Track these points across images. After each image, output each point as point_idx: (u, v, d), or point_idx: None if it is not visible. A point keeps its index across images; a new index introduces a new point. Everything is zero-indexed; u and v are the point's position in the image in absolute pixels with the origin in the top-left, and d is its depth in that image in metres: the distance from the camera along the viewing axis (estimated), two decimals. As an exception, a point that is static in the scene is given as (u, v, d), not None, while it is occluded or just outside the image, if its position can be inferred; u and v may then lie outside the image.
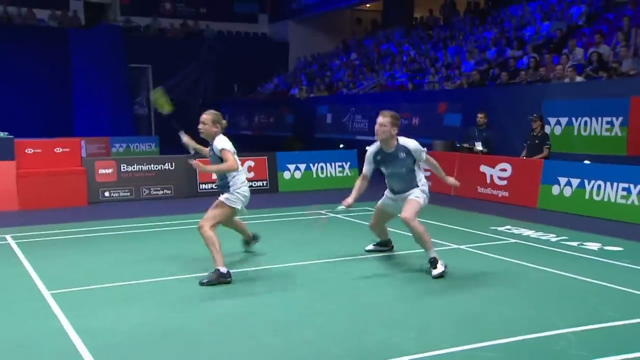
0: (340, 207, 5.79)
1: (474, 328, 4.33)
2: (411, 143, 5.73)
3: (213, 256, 5.55)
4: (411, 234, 5.72)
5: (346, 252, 6.64)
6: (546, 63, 14.05)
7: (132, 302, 5.00)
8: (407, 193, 5.81)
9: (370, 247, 6.63)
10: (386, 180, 5.97)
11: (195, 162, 5.65)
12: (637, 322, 4.39)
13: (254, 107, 25.64)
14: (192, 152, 6.33)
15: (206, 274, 5.57)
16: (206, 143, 5.95)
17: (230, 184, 5.75)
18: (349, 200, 5.74)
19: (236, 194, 5.77)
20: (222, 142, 5.72)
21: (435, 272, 5.57)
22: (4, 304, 4.97)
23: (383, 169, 5.86)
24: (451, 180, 6.12)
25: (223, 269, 5.52)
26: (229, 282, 5.47)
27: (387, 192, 6.07)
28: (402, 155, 5.67)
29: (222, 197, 5.78)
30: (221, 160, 5.67)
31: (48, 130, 21.11)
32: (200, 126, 5.78)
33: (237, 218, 6.37)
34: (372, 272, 5.91)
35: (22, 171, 10.02)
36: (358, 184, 5.86)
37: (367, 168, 5.89)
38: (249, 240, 6.71)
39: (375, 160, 5.79)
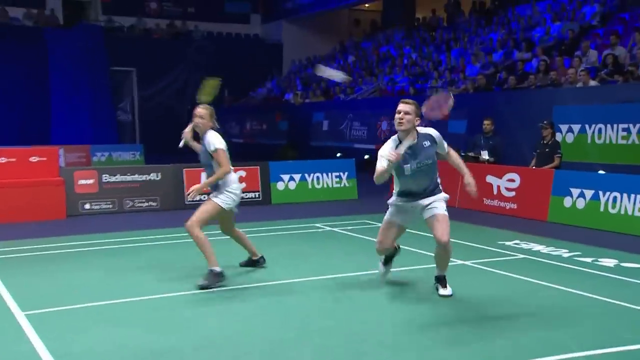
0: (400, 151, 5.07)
1: (479, 351, 4.30)
2: (432, 131, 5.41)
3: (206, 256, 5.78)
4: (436, 253, 5.48)
5: (343, 268, 6.62)
6: (557, 66, 14.13)
7: (114, 322, 4.96)
8: (429, 200, 5.37)
9: (381, 269, 5.99)
10: (402, 183, 5.40)
11: (192, 191, 5.83)
12: (656, 345, 4.37)
13: (245, 113, 25.69)
14: (182, 145, 6.39)
15: (202, 282, 5.80)
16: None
17: (221, 182, 5.90)
18: (396, 154, 5.06)
19: (227, 192, 5.92)
20: (216, 140, 5.88)
21: (445, 291, 5.54)
22: (-26, 326, 4.93)
23: (408, 167, 5.27)
24: (470, 179, 5.42)
25: (217, 269, 5.79)
26: (223, 281, 5.80)
27: (398, 200, 5.51)
28: (427, 143, 5.32)
29: (211, 196, 5.95)
30: (212, 157, 5.84)
31: (23, 138, 21.09)
32: (197, 120, 5.96)
33: (240, 230, 6.49)
34: (370, 288, 5.88)
35: (-4, 182, 9.98)
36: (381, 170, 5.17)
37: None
38: (256, 259, 6.63)
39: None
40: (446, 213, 5.39)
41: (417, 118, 5.25)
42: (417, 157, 5.27)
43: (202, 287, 5.74)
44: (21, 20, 25.85)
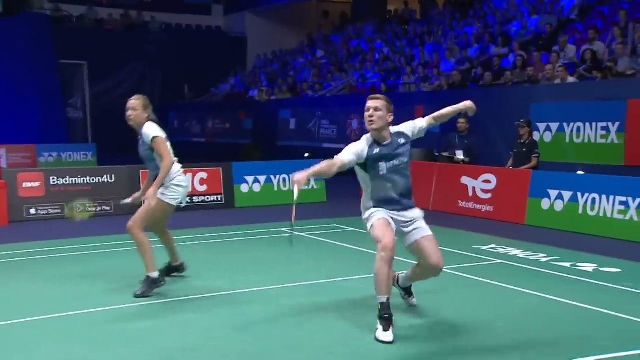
0: (296, 193, 4.79)
1: (455, 362, 4.34)
2: (403, 126, 5.18)
3: (145, 261, 5.77)
4: (420, 273, 5.32)
5: (311, 275, 6.61)
6: (534, 62, 14.36)
7: (59, 338, 4.87)
8: (410, 216, 5.03)
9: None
10: (377, 188, 5.00)
11: (149, 197, 5.71)
12: (635, 354, 4.45)
13: (207, 111, 25.52)
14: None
15: (139, 290, 5.77)
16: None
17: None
18: (303, 174, 4.74)
19: (172, 187, 5.86)
20: (152, 129, 5.80)
21: (413, 300, 5.61)
22: None
23: (383, 165, 4.96)
24: (466, 105, 5.39)
25: (154, 274, 5.79)
26: (163, 285, 5.83)
27: (381, 209, 5.00)
28: (402, 141, 5.09)
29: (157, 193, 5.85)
30: (152, 150, 5.78)
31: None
32: (129, 113, 5.87)
33: (170, 233, 6.44)
34: (340, 297, 5.89)
35: None
36: (329, 166, 4.86)
37: (349, 158, 4.90)
38: (176, 265, 6.52)
39: (372, 153, 4.94)
40: (432, 234, 5.09)
41: (389, 114, 5.01)
42: (393, 158, 5.01)
43: (138, 296, 5.71)
44: (-46, 8, 25.22)
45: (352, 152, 4.94)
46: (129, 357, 4.46)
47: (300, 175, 4.73)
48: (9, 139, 20.11)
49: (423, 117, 5.43)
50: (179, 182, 5.89)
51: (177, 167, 5.95)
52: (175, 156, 5.98)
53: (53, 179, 10.76)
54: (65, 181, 10.82)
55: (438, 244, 5.08)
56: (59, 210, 10.68)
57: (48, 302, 5.78)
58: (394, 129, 5.16)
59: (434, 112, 5.48)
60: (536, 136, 11.77)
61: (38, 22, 23.51)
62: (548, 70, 13.19)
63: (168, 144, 5.90)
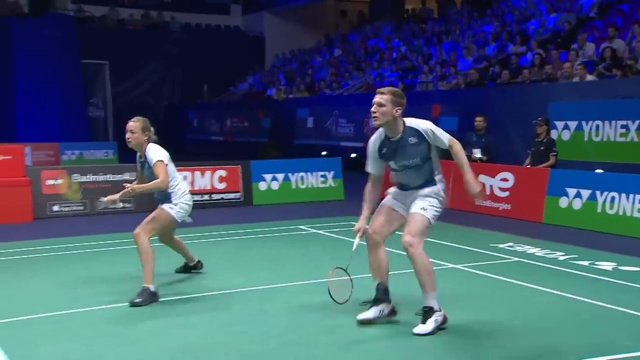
0: (357, 243, 5.03)
1: (472, 360, 4.29)
2: (422, 123, 4.92)
3: (145, 270, 5.67)
4: (412, 265, 4.84)
5: (326, 273, 6.57)
6: (553, 60, 14.22)
7: (78, 333, 4.89)
8: (419, 193, 4.94)
9: (367, 316, 5.00)
10: (394, 177, 5.10)
11: (130, 188, 5.78)
12: (655, 352, 4.39)
13: (225, 110, 25.61)
14: (120, 204, 6.35)
15: (136, 299, 5.57)
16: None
17: (172, 194, 5.92)
18: (361, 223, 5.02)
19: (181, 204, 5.96)
20: (156, 153, 5.88)
21: (421, 329, 4.72)
22: None
23: (392, 163, 4.95)
24: (474, 186, 4.90)
25: (152, 288, 5.67)
26: (156, 301, 5.61)
27: (393, 190, 5.13)
28: (413, 140, 4.83)
29: (164, 206, 5.94)
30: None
31: (-15, 135, 20.79)
32: (128, 135, 5.93)
33: (178, 237, 6.48)
34: (356, 294, 5.84)
35: (-43, 182, 9.84)
36: (369, 192, 5.05)
37: (373, 166, 5.02)
38: (193, 264, 6.61)
39: (381, 153, 4.95)
40: (422, 212, 4.81)
41: (396, 108, 4.77)
42: (399, 156, 4.87)
43: (134, 304, 5.49)
44: (-19, 11, 25.52)
45: (373, 157, 5.05)
46: (142, 353, 4.46)
47: (360, 224, 5.04)
48: (33, 138, 20.32)
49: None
50: (186, 202, 6.01)
51: (184, 187, 6.09)
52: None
53: (75, 176, 10.85)
54: (87, 178, 10.90)
55: (421, 223, 4.78)
56: (81, 207, 10.77)
57: (65, 298, 5.80)
58: (411, 123, 4.91)
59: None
60: (554, 134, 11.65)
61: (64, 23, 23.70)
62: (566, 69, 13.05)
63: (172, 165, 5.97)
